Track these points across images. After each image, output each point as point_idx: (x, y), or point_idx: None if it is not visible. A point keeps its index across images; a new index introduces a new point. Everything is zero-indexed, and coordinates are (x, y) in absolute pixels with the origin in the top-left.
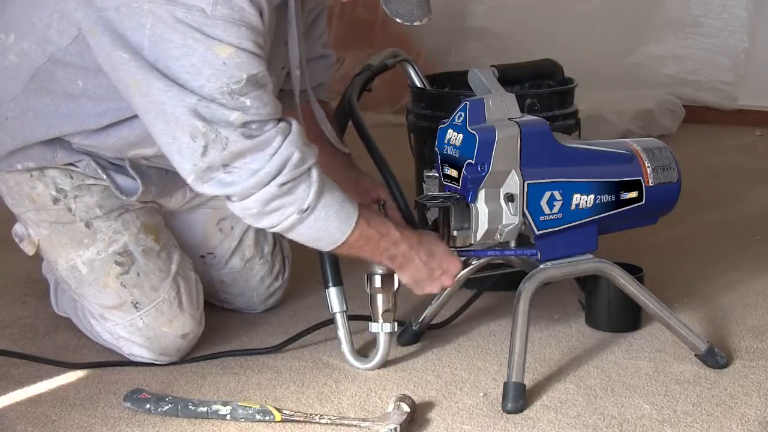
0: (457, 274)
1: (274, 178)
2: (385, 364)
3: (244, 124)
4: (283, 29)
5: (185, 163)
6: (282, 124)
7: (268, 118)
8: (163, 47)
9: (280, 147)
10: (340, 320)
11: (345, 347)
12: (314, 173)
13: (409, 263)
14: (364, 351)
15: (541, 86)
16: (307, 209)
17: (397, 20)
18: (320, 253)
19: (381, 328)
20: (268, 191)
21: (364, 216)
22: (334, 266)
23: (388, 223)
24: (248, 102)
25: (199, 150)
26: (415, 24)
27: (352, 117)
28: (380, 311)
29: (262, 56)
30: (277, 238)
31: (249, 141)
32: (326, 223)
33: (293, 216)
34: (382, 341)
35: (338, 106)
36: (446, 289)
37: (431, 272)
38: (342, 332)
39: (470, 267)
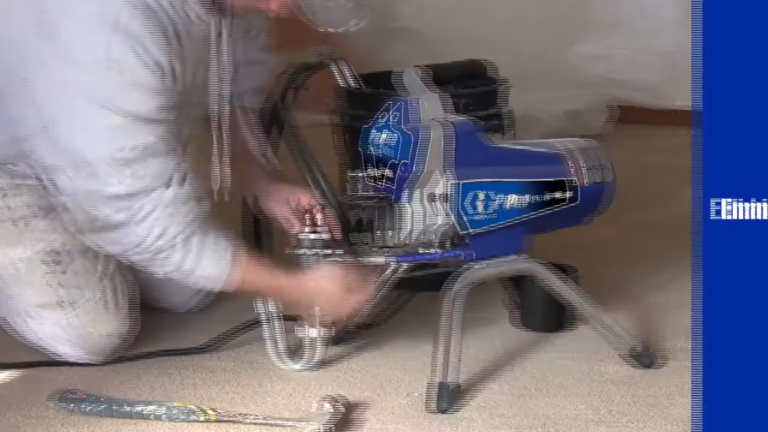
0: (367, 300)
1: (147, 244)
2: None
3: (121, 196)
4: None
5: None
6: (162, 193)
7: (149, 186)
8: (53, 112)
9: (151, 216)
10: (270, 321)
11: (274, 348)
12: (193, 241)
13: (305, 306)
14: (295, 351)
15: (473, 86)
16: (186, 271)
17: (330, 30)
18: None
19: (316, 333)
20: (143, 256)
21: (249, 273)
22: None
23: (278, 276)
24: (132, 171)
25: (84, 217)
26: (351, 29)
27: (284, 117)
28: (315, 317)
29: (159, 119)
30: None
31: (121, 214)
32: (206, 283)
33: (173, 274)
34: (316, 346)
35: (272, 107)
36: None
37: (333, 310)
38: (272, 333)
39: (403, 267)
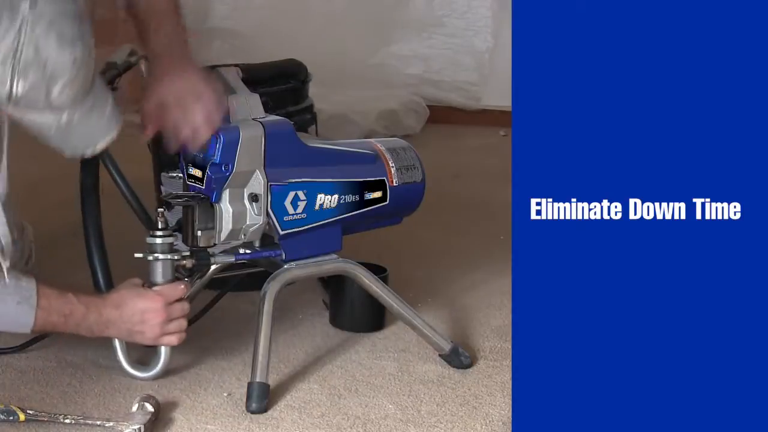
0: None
1: None
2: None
3: None
4: None
5: None
6: None
7: None
8: None
9: None
10: None
11: (120, 356)
12: None
13: (107, 329)
14: (136, 357)
15: (289, 85)
16: None
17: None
18: (89, 256)
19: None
20: None
21: (43, 306)
22: (105, 270)
23: (72, 301)
24: None
25: None
26: (98, 149)
27: None
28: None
29: None
30: (33, 248)
31: None
32: (3, 321)
33: None
34: (164, 351)
35: None
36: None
37: (132, 331)
38: (117, 341)
39: (214, 267)
